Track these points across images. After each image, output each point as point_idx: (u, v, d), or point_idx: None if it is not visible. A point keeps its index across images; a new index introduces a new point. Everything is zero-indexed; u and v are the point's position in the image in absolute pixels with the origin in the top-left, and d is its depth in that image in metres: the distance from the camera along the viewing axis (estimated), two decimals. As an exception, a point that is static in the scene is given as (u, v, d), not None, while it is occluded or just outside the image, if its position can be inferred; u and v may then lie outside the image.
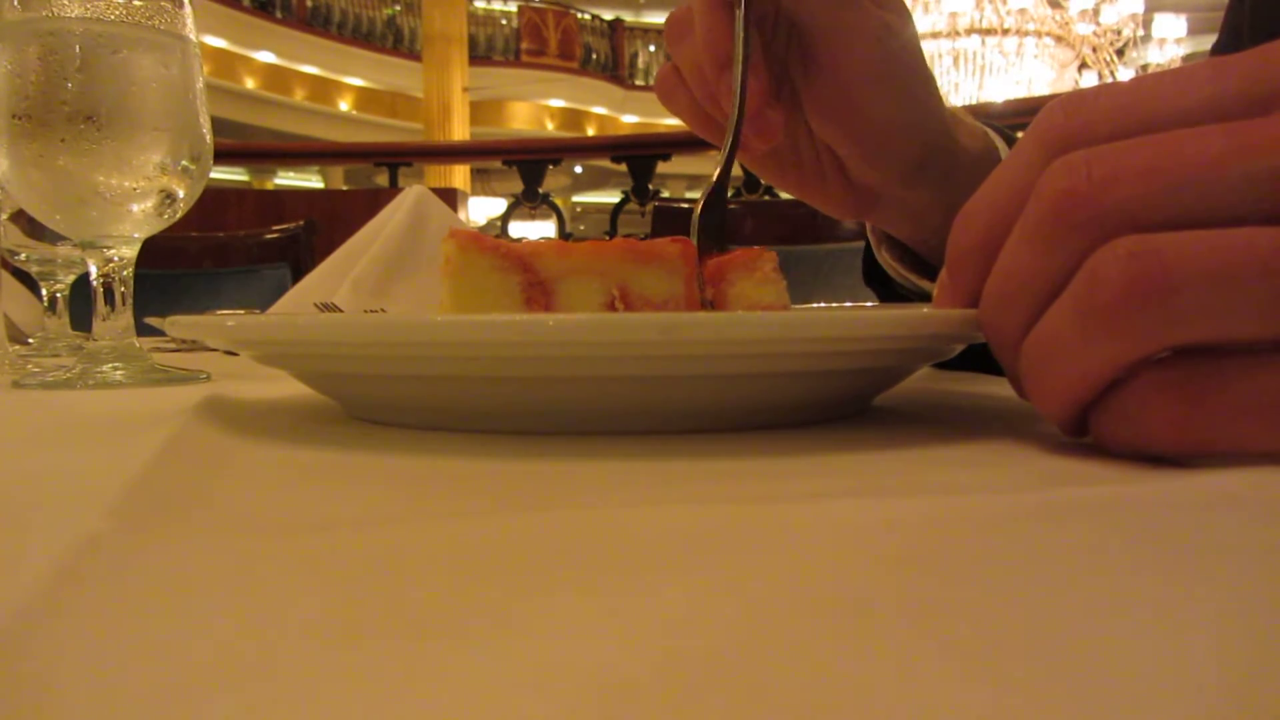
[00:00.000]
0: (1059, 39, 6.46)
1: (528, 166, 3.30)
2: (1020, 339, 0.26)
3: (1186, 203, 0.22)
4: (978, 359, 0.38)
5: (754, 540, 0.18)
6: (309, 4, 12.18)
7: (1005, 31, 6.25)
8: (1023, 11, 6.23)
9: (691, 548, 0.17)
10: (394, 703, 0.11)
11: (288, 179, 11.37)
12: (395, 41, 12.97)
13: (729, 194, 0.49)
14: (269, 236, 1.85)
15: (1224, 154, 0.22)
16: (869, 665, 0.12)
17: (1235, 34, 0.63)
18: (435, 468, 0.26)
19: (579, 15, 13.93)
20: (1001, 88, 6.18)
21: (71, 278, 0.85)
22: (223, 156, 3.49)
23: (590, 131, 13.24)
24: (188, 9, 0.52)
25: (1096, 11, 6.46)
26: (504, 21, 13.41)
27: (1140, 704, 0.11)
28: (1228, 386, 0.22)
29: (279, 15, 11.90)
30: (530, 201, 3.30)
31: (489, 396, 0.30)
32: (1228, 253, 0.21)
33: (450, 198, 3.09)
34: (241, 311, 0.95)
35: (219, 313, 0.73)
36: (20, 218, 0.80)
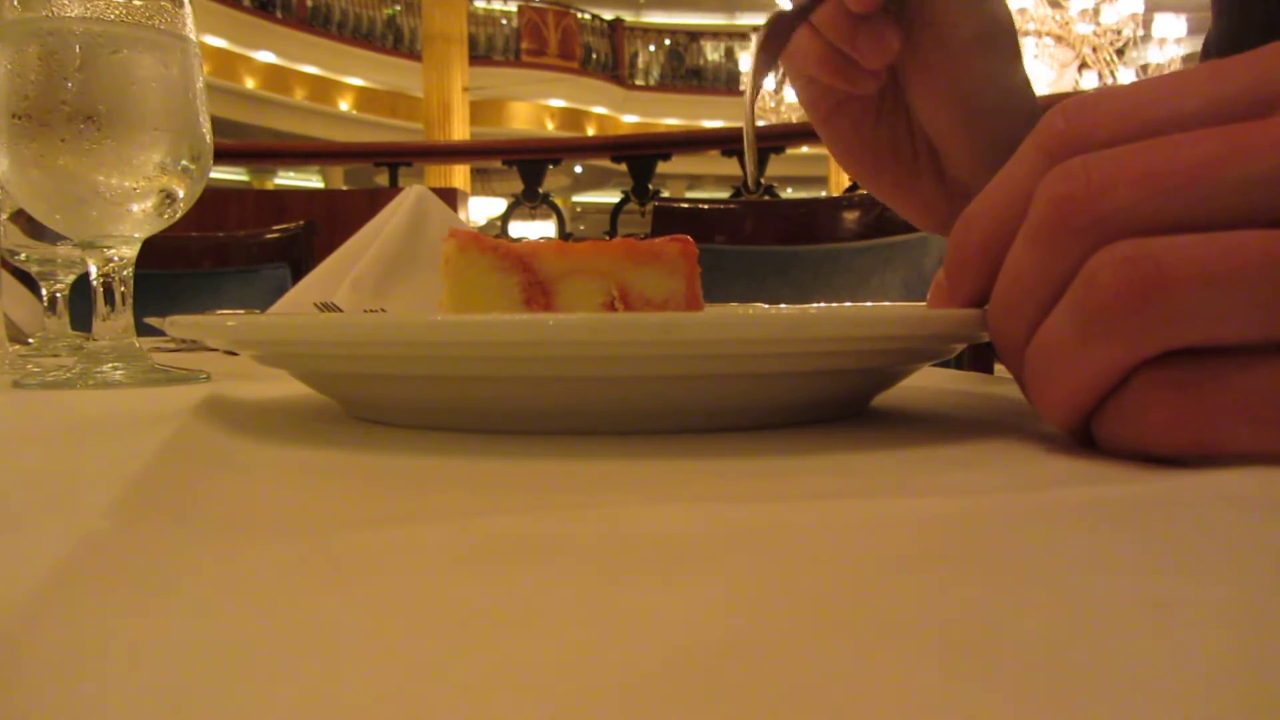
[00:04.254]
0: (1059, 39, 6.45)
1: (528, 166, 3.30)
2: (1025, 344, 0.26)
3: (1184, 206, 0.22)
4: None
5: (754, 540, 0.18)
6: (309, 4, 12.19)
7: (1005, 31, 6.24)
8: (1022, 11, 6.23)
9: (691, 547, 0.17)
10: (394, 703, 0.11)
11: (288, 179, 11.37)
12: (395, 41, 12.98)
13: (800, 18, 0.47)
14: (269, 236, 1.84)
15: (1221, 157, 0.22)
16: (869, 666, 0.12)
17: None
18: (435, 468, 0.26)
19: (579, 15, 13.93)
20: (1002, 88, 6.16)
21: (71, 278, 0.85)
22: (223, 156, 3.49)
23: (590, 131, 13.25)
24: (187, 9, 0.52)
25: (1096, 11, 6.46)
26: (504, 21, 13.41)
27: (1142, 704, 0.11)
28: (1225, 386, 0.22)
29: (279, 15, 11.90)
30: (530, 201, 3.29)
31: (489, 396, 0.30)
32: (1224, 255, 0.21)
33: (450, 197, 3.09)
34: (241, 311, 0.96)
35: (219, 312, 0.73)
36: (20, 217, 0.80)
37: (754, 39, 0.44)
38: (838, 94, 0.53)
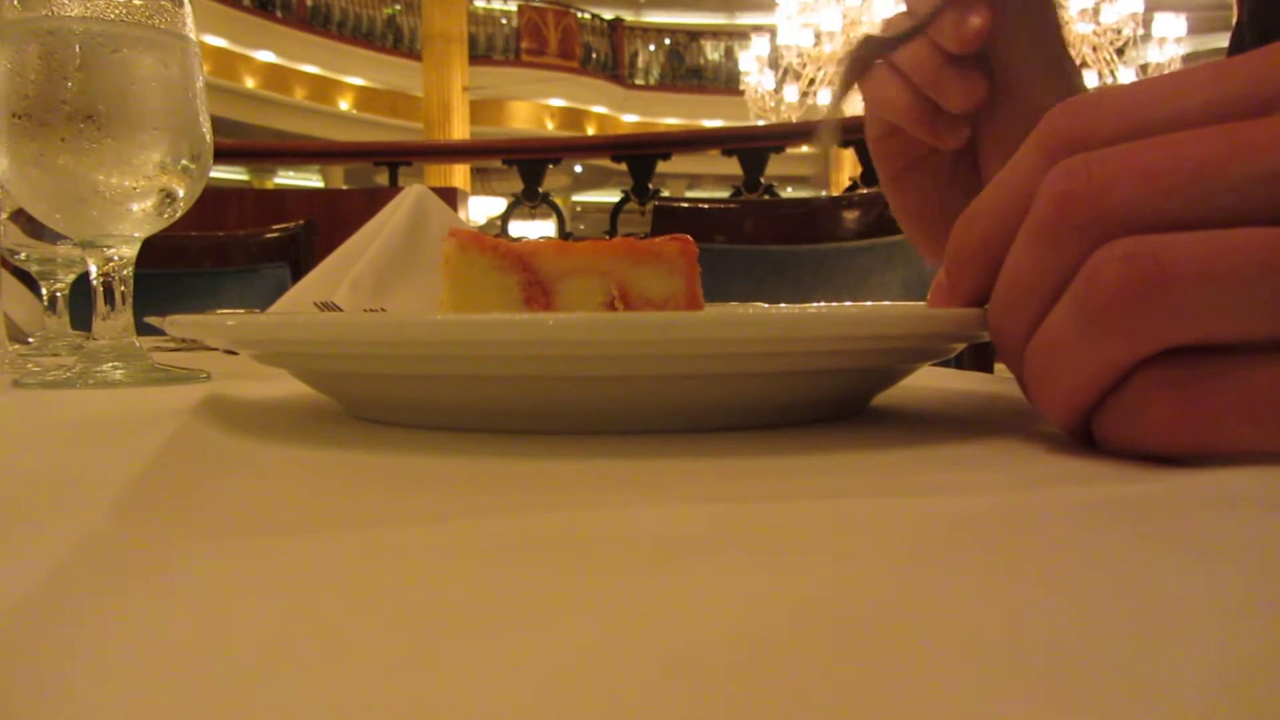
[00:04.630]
0: (1059, 38, 6.44)
1: (528, 166, 3.30)
2: (1025, 343, 0.26)
3: (1186, 204, 0.22)
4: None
5: (754, 540, 0.18)
6: (309, 3, 12.18)
7: (1006, 31, 6.24)
8: (1023, 11, 6.21)
9: (691, 547, 0.17)
10: (394, 702, 0.11)
11: (288, 178, 11.36)
12: (395, 41, 12.98)
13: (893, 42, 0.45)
14: (269, 236, 1.84)
15: (1223, 155, 0.22)
16: (870, 665, 0.12)
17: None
18: (435, 467, 0.26)
19: (579, 15, 13.93)
20: (1002, 87, 6.17)
21: (71, 277, 0.85)
22: (223, 156, 3.49)
23: (590, 131, 13.24)
24: (187, 8, 0.52)
25: (1096, 11, 6.45)
26: (504, 21, 13.41)
27: (1143, 702, 0.11)
28: (1226, 385, 0.22)
29: (279, 14, 11.90)
30: (530, 201, 3.30)
31: (489, 396, 0.30)
32: (1224, 252, 0.21)
33: (450, 197, 3.09)
34: (241, 311, 0.95)
35: (219, 312, 0.73)
36: (20, 217, 0.80)
37: (839, 63, 0.44)
38: (914, 151, 0.52)
